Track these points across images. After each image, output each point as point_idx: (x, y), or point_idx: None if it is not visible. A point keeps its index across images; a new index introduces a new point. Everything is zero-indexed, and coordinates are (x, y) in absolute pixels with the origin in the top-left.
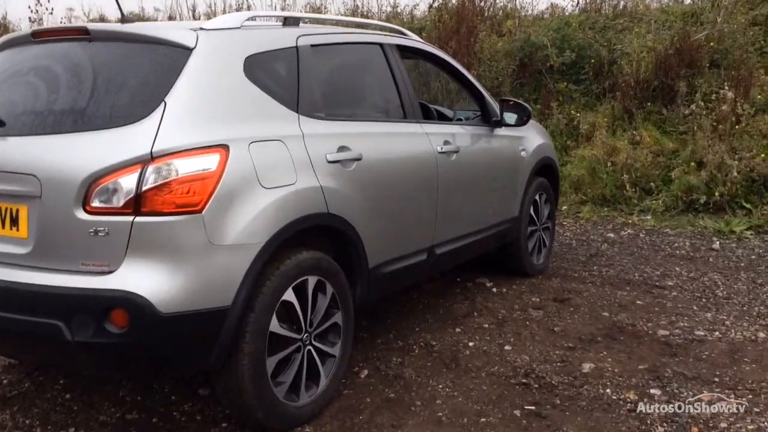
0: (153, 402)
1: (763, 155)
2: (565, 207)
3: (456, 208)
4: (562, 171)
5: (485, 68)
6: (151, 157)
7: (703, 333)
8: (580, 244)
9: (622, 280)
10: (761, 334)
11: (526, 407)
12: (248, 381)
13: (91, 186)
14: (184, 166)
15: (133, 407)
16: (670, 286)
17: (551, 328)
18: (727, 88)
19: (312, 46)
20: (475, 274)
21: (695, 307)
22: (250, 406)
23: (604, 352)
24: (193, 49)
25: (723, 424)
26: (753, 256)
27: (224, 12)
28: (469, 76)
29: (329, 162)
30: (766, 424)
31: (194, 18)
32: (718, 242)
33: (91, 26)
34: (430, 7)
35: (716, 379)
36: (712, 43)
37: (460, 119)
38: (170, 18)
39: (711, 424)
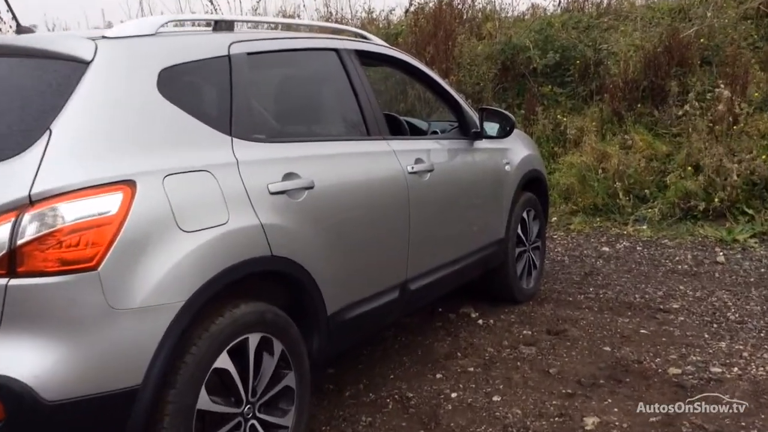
0: None
1: (763, 157)
2: (554, 218)
3: (432, 236)
4: (550, 179)
5: (465, 73)
6: (30, 201)
7: (719, 369)
8: (573, 260)
9: (623, 304)
10: None
11: None
12: None
13: None
14: (74, 211)
15: None
16: (676, 309)
17: (546, 369)
18: (722, 86)
19: (249, 54)
20: (459, 302)
21: (707, 335)
22: None
23: (609, 400)
24: (90, 62)
25: None
26: (762, 269)
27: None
28: (443, 84)
29: (272, 193)
30: None
31: None
32: (722, 254)
33: None
34: (407, 11)
35: None
36: (702, 39)
37: (435, 132)
38: None
39: None
